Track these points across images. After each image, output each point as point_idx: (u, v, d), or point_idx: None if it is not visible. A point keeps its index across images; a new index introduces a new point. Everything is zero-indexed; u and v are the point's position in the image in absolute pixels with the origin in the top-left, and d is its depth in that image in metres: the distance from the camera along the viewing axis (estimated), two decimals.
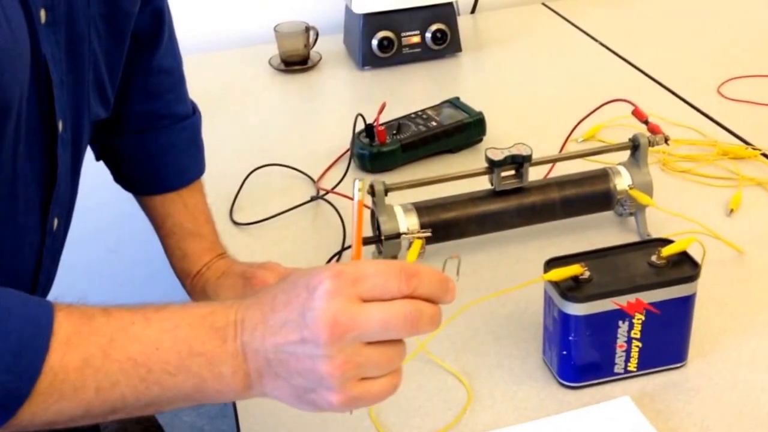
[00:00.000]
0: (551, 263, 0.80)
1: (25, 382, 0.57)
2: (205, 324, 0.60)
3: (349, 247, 1.02)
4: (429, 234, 0.93)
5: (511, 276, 0.97)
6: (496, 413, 0.80)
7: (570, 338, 0.79)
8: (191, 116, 0.97)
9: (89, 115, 0.79)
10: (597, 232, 1.03)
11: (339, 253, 1.01)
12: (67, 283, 1.66)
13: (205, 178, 1.00)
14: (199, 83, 1.09)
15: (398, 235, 0.94)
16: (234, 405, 0.83)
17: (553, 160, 1.05)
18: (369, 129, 1.20)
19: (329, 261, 1.00)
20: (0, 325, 0.57)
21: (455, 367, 0.85)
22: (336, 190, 1.13)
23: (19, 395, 0.57)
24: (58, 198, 0.77)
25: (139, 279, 1.87)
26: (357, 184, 0.66)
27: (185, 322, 0.61)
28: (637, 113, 1.05)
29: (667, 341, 0.82)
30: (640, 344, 0.80)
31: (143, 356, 0.60)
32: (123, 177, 0.96)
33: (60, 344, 0.58)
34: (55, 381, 0.58)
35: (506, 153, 0.96)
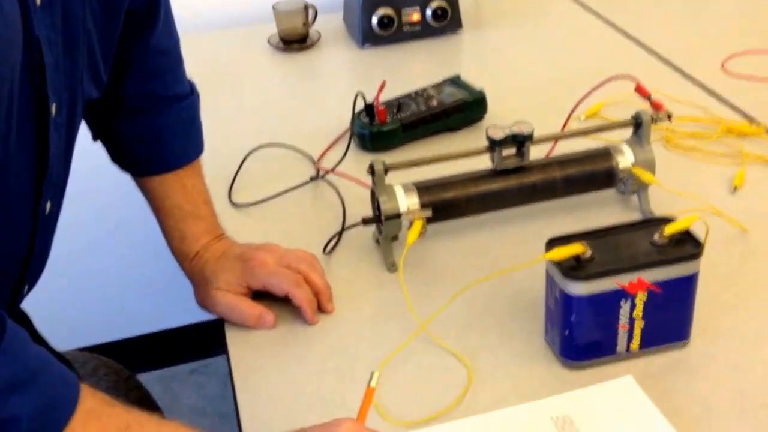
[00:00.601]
0: (553, 243, 0.79)
1: None
2: None
3: (348, 228, 1.01)
4: (429, 214, 0.93)
5: (513, 256, 0.96)
6: (497, 393, 0.79)
7: (572, 318, 0.78)
8: (189, 96, 0.96)
9: (82, 97, 0.79)
10: (599, 211, 1.02)
11: (339, 234, 1.00)
12: (67, 264, 1.66)
13: (204, 158, 0.99)
14: (197, 62, 1.08)
15: (398, 215, 0.93)
16: (233, 387, 0.83)
17: (555, 138, 1.04)
18: (369, 108, 1.18)
19: (329, 242, 0.99)
20: (39, 376, 0.61)
21: (456, 347, 0.85)
22: (336, 170, 1.12)
23: None
24: (50, 181, 0.76)
25: (139, 260, 1.86)
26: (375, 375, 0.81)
27: None
28: (640, 90, 1.04)
29: (669, 320, 0.81)
30: (642, 324, 0.79)
31: None
32: (121, 158, 0.95)
33: (83, 413, 0.63)
34: None
35: (507, 131, 0.95)
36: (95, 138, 0.94)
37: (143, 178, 0.94)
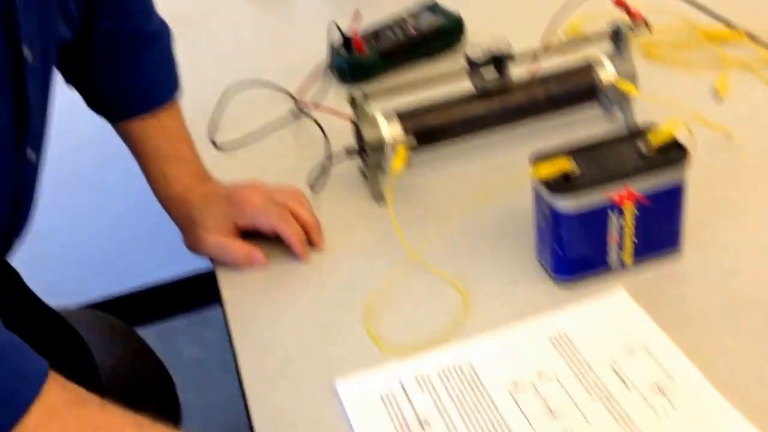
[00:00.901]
0: (538, 159, 0.78)
1: None
2: None
3: (334, 162, 1.00)
4: (413, 140, 0.92)
5: (501, 181, 0.95)
6: (492, 315, 0.79)
7: (562, 235, 0.78)
8: (162, 34, 0.94)
9: (55, 40, 0.77)
10: (585, 131, 1.01)
11: (324, 169, 0.99)
12: (52, 221, 1.64)
13: (180, 101, 0.97)
14: (166, 1, 1.05)
15: (382, 144, 0.92)
16: (228, 331, 0.83)
17: (533, 55, 1.03)
18: (346, 41, 1.16)
19: (315, 178, 0.98)
20: None
21: (449, 274, 0.84)
22: (317, 104, 1.11)
23: None
24: (32, 130, 0.75)
25: (124, 214, 1.85)
26: None
27: None
28: (618, 1, 1.03)
29: (660, 231, 0.81)
30: (633, 236, 0.79)
31: None
32: (98, 103, 0.93)
33: (44, 410, 0.57)
34: None
35: (486, 51, 0.94)
36: (68, 81, 0.92)
37: (122, 123, 0.92)
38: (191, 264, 1.94)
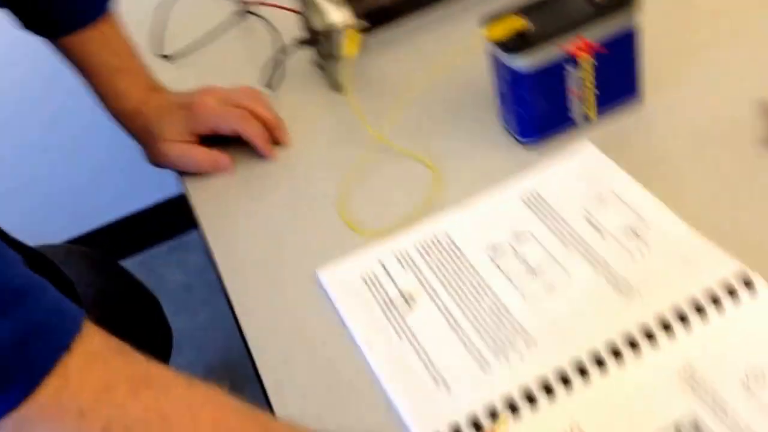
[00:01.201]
0: (490, 21, 0.77)
1: (27, 378, 0.49)
2: (258, 419, 0.56)
3: (287, 57, 0.98)
4: (364, 24, 0.90)
5: (456, 53, 0.94)
6: (464, 186, 0.79)
7: (524, 95, 0.78)
8: None
9: None
10: None
11: (278, 64, 0.97)
12: (5, 167, 1.60)
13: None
14: None
15: (333, 29, 0.90)
16: (207, 246, 0.82)
17: None
18: None
19: (267, 74, 0.97)
20: (25, 299, 0.49)
21: (417, 151, 0.84)
22: (261, 0, 1.08)
23: (14, 394, 0.48)
24: None
25: (78, 152, 1.82)
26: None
27: (233, 405, 0.56)
28: None
29: (619, 80, 0.81)
30: (593, 88, 0.79)
31: (177, 416, 0.52)
32: (33, 21, 0.89)
33: (86, 352, 0.51)
34: (62, 393, 0.49)
35: None
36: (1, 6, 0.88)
37: (63, 40, 0.89)
38: (165, 190, 1.93)
